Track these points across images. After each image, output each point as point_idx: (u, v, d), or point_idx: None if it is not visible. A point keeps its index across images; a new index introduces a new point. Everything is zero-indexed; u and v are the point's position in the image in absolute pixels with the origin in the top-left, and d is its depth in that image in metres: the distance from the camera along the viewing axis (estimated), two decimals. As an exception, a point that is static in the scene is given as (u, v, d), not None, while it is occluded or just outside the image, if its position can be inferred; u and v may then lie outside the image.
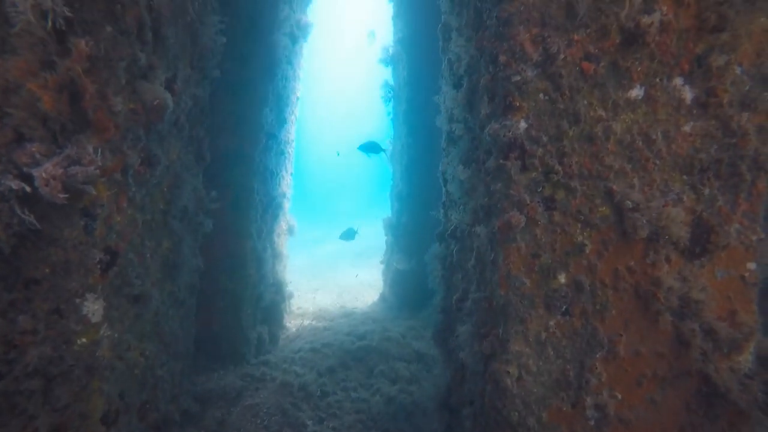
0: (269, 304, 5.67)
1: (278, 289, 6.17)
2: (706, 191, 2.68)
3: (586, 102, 2.55)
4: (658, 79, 2.58)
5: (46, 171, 2.06)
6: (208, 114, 3.78)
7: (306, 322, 7.73)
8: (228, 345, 4.89)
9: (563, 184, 2.57)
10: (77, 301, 2.24)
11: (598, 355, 2.70)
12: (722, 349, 2.67)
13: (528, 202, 2.54)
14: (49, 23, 2.06)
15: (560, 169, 2.54)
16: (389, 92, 7.96)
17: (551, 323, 2.65)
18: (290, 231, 8.25)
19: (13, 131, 2.08)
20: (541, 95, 2.53)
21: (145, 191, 2.78)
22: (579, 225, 2.61)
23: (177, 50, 3.00)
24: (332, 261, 13.96)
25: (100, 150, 2.27)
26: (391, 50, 7.76)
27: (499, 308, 2.69)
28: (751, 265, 2.76)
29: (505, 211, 2.57)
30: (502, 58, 2.51)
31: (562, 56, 2.50)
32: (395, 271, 7.80)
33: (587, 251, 2.62)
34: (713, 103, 2.62)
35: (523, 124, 2.53)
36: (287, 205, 7.95)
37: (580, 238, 2.62)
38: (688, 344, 2.68)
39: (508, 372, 2.65)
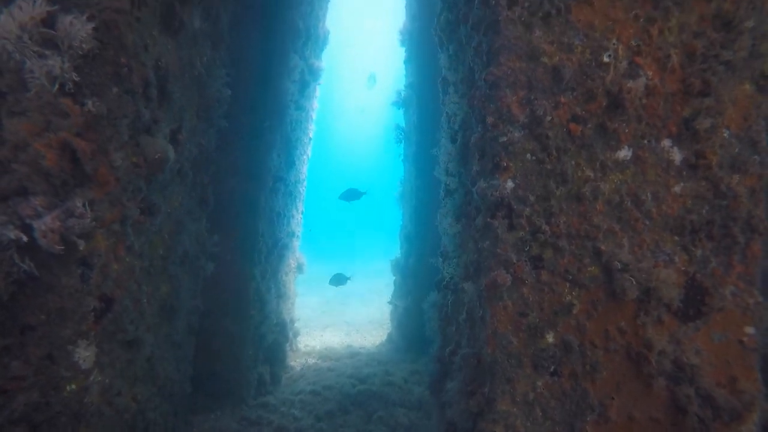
0: (272, 344, 5.68)
1: (282, 328, 6.19)
2: (699, 252, 2.65)
3: (573, 162, 2.58)
4: (646, 141, 2.61)
5: (46, 223, 2.17)
6: (213, 161, 3.92)
7: (312, 361, 7.68)
8: (228, 385, 4.90)
9: (551, 244, 2.58)
10: (69, 347, 2.31)
11: (588, 418, 2.64)
12: (722, 417, 2.59)
13: (514, 261, 2.55)
14: (56, 87, 2.22)
15: (547, 228, 2.56)
16: (400, 134, 8.12)
17: (539, 383, 2.61)
18: (299, 269, 8.32)
19: (18, 185, 2.21)
20: (529, 155, 2.58)
21: (144, 239, 2.88)
22: (567, 284, 2.60)
23: (183, 102, 3.16)
24: (344, 297, 13.92)
25: (99, 202, 2.39)
26: (402, 93, 7.96)
27: (487, 366, 2.67)
28: (750, 330, 2.70)
29: (492, 270, 2.58)
30: (489, 120, 2.58)
31: (549, 118, 2.55)
32: (402, 312, 7.76)
33: (576, 311, 2.60)
34: (702, 165, 2.63)
35: (510, 184, 2.57)
36: (297, 243, 8.06)
37: (568, 298, 2.61)
38: (684, 410, 2.61)
39: (495, 432, 2.61)
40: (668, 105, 2.62)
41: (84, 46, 2.25)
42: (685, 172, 2.65)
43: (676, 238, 2.66)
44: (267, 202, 5.10)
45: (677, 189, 2.65)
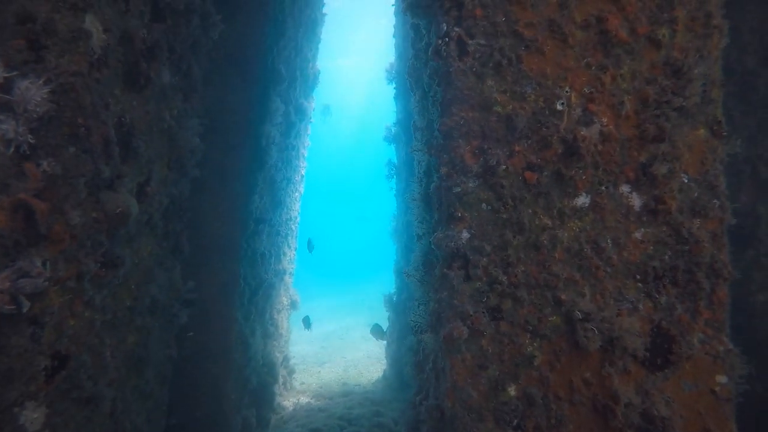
0: (258, 387, 5.60)
1: (270, 369, 6.11)
2: (663, 299, 2.59)
3: (530, 211, 2.56)
4: (603, 187, 2.59)
5: (-5, 285, 2.18)
6: (188, 208, 3.95)
7: (305, 401, 7.55)
8: (210, 431, 4.81)
9: (509, 294, 2.54)
10: (15, 410, 2.28)
11: (556, 474, 2.54)
12: (695, 471, 2.49)
13: (471, 312, 2.51)
14: (11, 149, 2.26)
15: (505, 278, 2.53)
16: (392, 169, 8.17)
17: (502, 438, 2.53)
18: (293, 306, 8.28)
19: (-30, 246, 2.23)
20: (484, 205, 2.57)
21: (107, 292, 2.88)
22: (528, 335, 2.55)
23: (151, 155, 3.21)
24: (343, 332, 13.78)
25: (54, 260, 2.40)
26: (392, 130, 8.05)
27: (448, 420, 2.59)
28: (722, 378, 2.61)
29: (449, 321, 2.54)
30: (443, 170, 2.58)
31: (503, 167, 2.55)
32: (395, 350, 7.64)
33: (538, 362, 2.54)
34: (662, 210, 2.60)
35: (465, 234, 2.56)
36: (289, 280, 8.04)
37: (529, 349, 2.55)
38: (655, 465, 2.50)
39: (458, 491, 2.51)
40: (624, 151, 2.61)
41: (39, 109, 2.31)
42: (645, 218, 2.62)
43: (640, 285, 2.61)
44: (249, 244, 5.11)
45: (638, 235, 2.61)
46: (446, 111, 2.62)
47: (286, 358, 8.31)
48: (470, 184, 2.56)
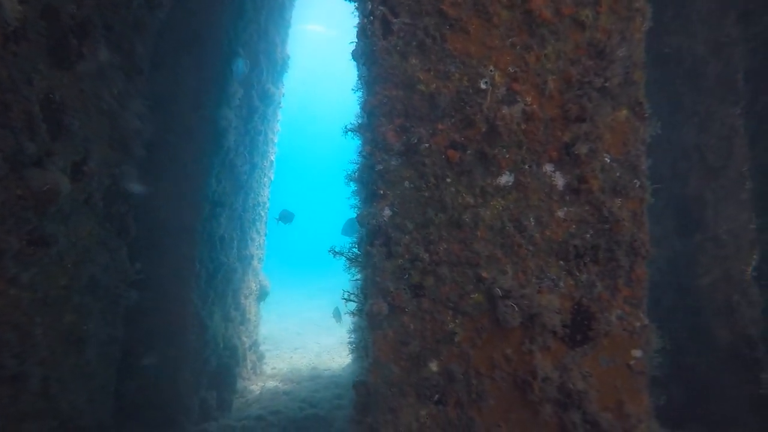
0: (218, 369, 5.62)
1: (233, 352, 6.14)
2: (584, 277, 2.64)
3: (453, 189, 2.59)
4: (527, 166, 2.62)
5: None
6: (134, 190, 3.92)
7: (272, 384, 7.59)
8: (164, 413, 4.83)
9: (431, 271, 2.58)
10: (-70, 385, 2.28)
11: (476, 447, 2.60)
12: (609, 441, 2.56)
13: (392, 289, 2.54)
14: None
15: (426, 256, 2.56)
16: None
17: (423, 413, 2.58)
18: (263, 291, 8.29)
19: None
20: (406, 183, 2.59)
21: (37, 270, 2.87)
22: (450, 312, 2.59)
23: (89, 134, 3.18)
24: (319, 318, 13.82)
25: (-29, 236, 2.39)
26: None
27: (371, 396, 2.64)
28: (637, 353, 2.68)
29: (371, 298, 2.57)
30: (366, 148, 2.60)
31: (426, 145, 2.57)
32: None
33: (459, 339, 2.58)
34: (584, 190, 2.64)
35: (387, 212, 2.58)
36: (258, 265, 8.04)
37: (451, 326, 2.59)
38: (572, 437, 2.57)
39: (379, 463, 2.57)
40: (548, 130, 2.64)
41: (-50, 83, 2.28)
42: (568, 197, 2.66)
43: (561, 263, 2.65)
44: (206, 227, 5.10)
45: (561, 214, 2.65)
46: (371, 90, 2.62)
47: (255, 344, 8.34)
48: (392, 162, 2.58)
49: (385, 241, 2.58)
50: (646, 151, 2.71)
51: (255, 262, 7.69)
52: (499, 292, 2.55)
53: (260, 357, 8.31)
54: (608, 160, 2.66)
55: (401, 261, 2.57)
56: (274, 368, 8.84)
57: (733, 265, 4.64)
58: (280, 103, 7.79)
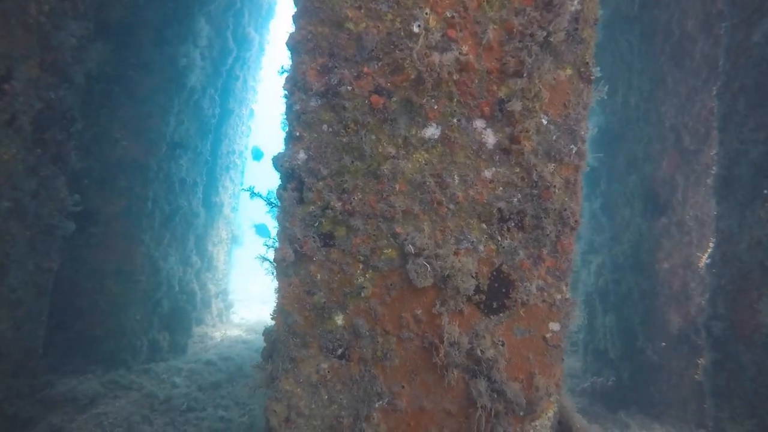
0: (172, 312, 5.61)
1: (190, 297, 6.12)
2: (506, 243, 2.52)
3: (373, 137, 2.44)
4: (456, 120, 2.46)
5: None
6: (76, 119, 3.78)
7: (236, 333, 7.64)
8: (108, 349, 4.84)
9: (343, 221, 2.45)
10: None
11: (377, 405, 2.54)
12: (515, 412, 2.50)
13: (298, 236, 2.43)
14: None
15: (339, 205, 2.43)
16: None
17: (324, 366, 2.51)
18: (234, 240, 8.24)
19: None
20: (325, 127, 2.44)
21: (-53, 188, 2.77)
22: (360, 266, 2.48)
23: (11, 50, 3.02)
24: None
25: None
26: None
27: (274, 343, 2.57)
28: (555, 326, 2.58)
29: (280, 243, 2.47)
30: (287, 86, 2.44)
31: (348, 88, 2.41)
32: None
33: (367, 294, 2.49)
34: (516, 151, 2.48)
35: (302, 155, 2.44)
36: (230, 214, 7.96)
37: (360, 280, 2.49)
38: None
39: (275, 411, 2.52)
40: (483, 84, 2.46)
41: None
42: (497, 157, 2.50)
43: (483, 225, 2.52)
44: (162, 167, 4.97)
45: (488, 174, 2.51)
46: (296, 24, 2.44)
47: (225, 292, 8.36)
48: (311, 103, 2.42)
49: (297, 185, 2.45)
50: (588, 115, 2.55)
51: (227, 210, 7.61)
52: (411, 249, 2.43)
53: (228, 306, 8.34)
54: (545, 122, 2.50)
55: (312, 208, 2.45)
56: (242, 318, 8.91)
57: (694, 252, 4.50)
58: (263, 50, 7.54)
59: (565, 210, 2.52)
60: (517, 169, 2.51)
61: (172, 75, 4.82)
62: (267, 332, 2.79)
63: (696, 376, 4.24)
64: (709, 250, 3.70)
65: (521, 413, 2.51)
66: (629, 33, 4.75)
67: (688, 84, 4.50)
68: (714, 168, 3.83)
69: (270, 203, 2.82)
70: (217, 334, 7.39)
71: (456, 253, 2.48)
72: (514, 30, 2.41)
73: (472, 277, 2.47)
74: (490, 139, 2.49)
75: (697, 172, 4.45)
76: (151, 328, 5.34)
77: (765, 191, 3.20)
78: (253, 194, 2.82)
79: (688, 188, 4.55)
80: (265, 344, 2.82)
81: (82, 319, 4.66)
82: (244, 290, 10.24)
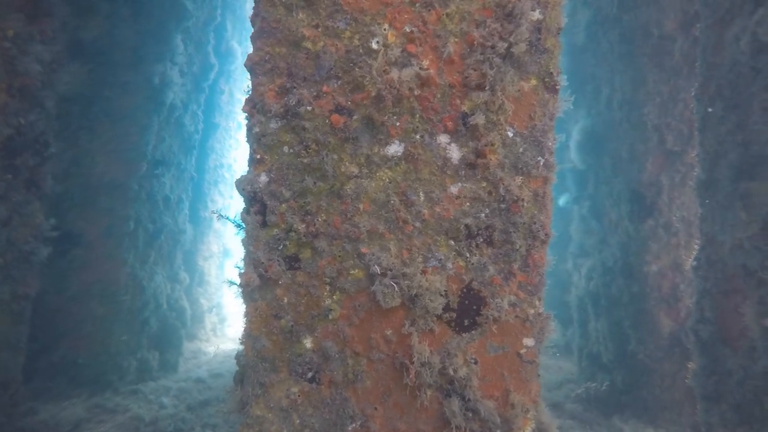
0: (161, 331, 5.58)
1: (179, 314, 6.08)
2: (475, 259, 2.47)
3: (335, 157, 2.40)
4: (419, 136, 2.42)
5: None
6: (49, 143, 3.76)
7: (231, 347, 7.60)
8: (93, 371, 4.80)
9: (308, 243, 2.41)
10: None
11: (350, 428, 2.49)
12: (491, 430, 2.45)
13: (263, 260, 2.39)
14: None
15: (303, 227, 2.39)
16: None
17: (295, 390, 2.47)
18: (225, 254, 8.20)
19: None
20: (285, 148, 2.40)
21: None
22: (327, 287, 2.44)
23: (-23, 79, 3.00)
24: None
25: None
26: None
27: (244, 368, 2.53)
28: (529, 341, 2.53)
29: (245, 267, 2.43)
30: (246, 108, 2.40)
31: (308, 108, 2.37)
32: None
33: (335, 316, 2.44)
34: (482, 165, 2.44)
35: (264, 178, 2.40)
36: (220, 228, 7.93)
37: (327, 302, 2.44)
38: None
39: (247, 438, 2.47)
40: (445, 98, 2.42)
41: None
42: (463, 172, 2.46)
43: (451, 242, 2.48)
44: (143, 186, 4.94)
45: (454, 189, 2.47)
46: (253, 45, 2.41)
47: (218, 306, 8.32)
48: (271, 125, 2.38)
49: (260, 209, 2.41)
50: (554, 126, 2.50)
51: (216, 225, 7.58)
52: (377, 269, 2.39)
53: (222, 319, 8.30)
54: (510, 134, 2.45)
55: (276, 231, 2.41)
56: (238, 331, 8.86)
57: (682, 254, 4.44)
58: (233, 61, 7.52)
59: (535, 223, 2.47)
60: (484, 184, 2.46)
61: (150, 93, 4.80)
62: (238, 356, 2.75)
63: (687, 380, 4.18)
64: (695, 253, 3.65)
65: (496, 431, 2.47)
66: (610, 33, 4.70)
67: (669, 84, 4.44)
68: (696, 169, 3.78)
69: (238, 225, 2.78)
70: (211, 349, 7.35)
71: (424, 272, 2.43)
72: (475, 42, 2.37)
73: (441, 295, 2.42)
74: (455, 154, 2.45)
75: (681, 173, 4.39)
76: (140, 348, 5.31)
77: (742, 192, 3.15)
78: (221, 217, 2.78)
79: (673, 189, 4.49)
80: (238, 368, 2.78)
81: (66, 342, 4.63)
82: (239, 302, 10.19)
